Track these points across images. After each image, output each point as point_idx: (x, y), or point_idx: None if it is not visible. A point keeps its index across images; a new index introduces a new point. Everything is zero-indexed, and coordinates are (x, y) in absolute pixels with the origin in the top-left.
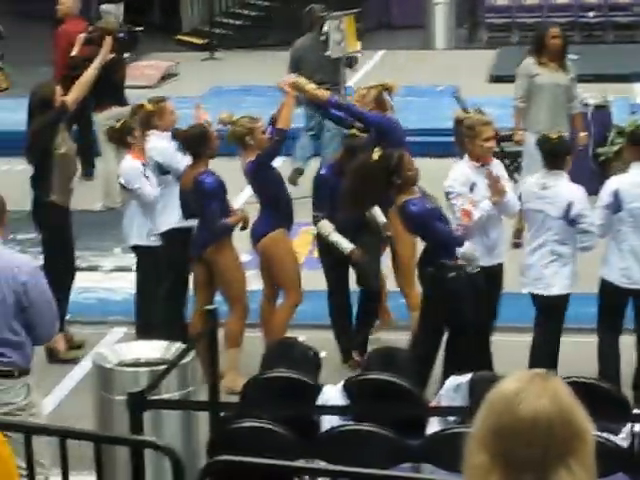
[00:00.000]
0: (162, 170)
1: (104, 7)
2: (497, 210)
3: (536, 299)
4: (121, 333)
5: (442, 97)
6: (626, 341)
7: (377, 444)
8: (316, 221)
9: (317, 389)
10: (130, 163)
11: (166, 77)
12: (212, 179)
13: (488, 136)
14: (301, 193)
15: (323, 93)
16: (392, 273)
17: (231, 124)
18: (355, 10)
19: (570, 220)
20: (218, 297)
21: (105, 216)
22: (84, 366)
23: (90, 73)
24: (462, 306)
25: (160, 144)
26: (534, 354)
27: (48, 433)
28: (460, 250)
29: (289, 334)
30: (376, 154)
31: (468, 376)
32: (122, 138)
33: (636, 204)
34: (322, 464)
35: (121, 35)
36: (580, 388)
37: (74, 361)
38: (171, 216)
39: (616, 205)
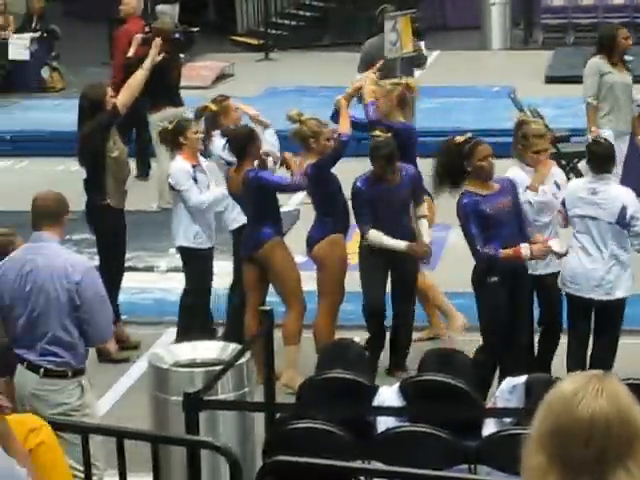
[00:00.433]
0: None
1: (160, 8)
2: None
3: (592, 304)
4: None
5: (498, 98)
6: None
7: (433, 445)
8: (362, 233)
9: (373, 390)
10: (180, 164)
11: (221, 78)
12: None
13: (539, 149)
14: None
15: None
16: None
17: (298, 122)
18: (410, 11)
19: (624, 224)
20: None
21: (160, 216)
22: (140, 366)
23: (140, 75)
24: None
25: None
26: (595, 358)
27: (105, 433)
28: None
29: (344, 335)
30: (461, 137)
31: (523, 378)
32: (174, 139)
33: None
34: (378, 465)
35: (177, 36)
36: (637, 390)
37: (126, 361)
38: (241, 213)
39: None
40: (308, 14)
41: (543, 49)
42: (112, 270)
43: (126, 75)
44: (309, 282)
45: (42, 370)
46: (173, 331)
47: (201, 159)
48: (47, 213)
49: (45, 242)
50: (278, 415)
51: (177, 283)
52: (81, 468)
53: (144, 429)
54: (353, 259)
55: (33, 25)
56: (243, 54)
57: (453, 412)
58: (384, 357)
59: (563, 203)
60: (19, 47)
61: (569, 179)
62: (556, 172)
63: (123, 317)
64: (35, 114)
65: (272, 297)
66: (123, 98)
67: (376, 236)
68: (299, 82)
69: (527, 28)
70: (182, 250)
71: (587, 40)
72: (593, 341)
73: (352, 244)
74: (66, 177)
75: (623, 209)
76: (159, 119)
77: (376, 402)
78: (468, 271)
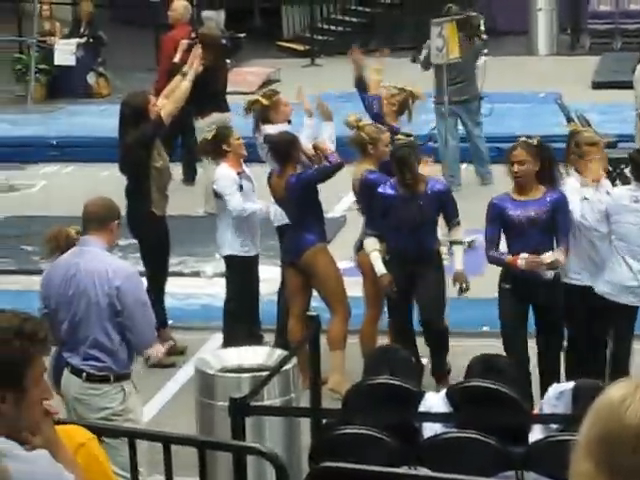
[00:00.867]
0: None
1: (205, 13)
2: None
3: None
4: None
5: (544, 104)
6: None
7: (480, 451)
8: (365, 237)
9: (419, 396)
10: (225, 171)
11: (267, 83)
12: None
13: (593, 157)
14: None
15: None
16: None
17: (356, 128)
18: (457, 16)
19: None
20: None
21: (206, 222)
22: (186, 372)
23: (184, 86)
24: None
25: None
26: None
27: (151, 439)
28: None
29: (388, 341)
30: (534, 139)
31: (571, 384)
32: (216, 149)
33: None
34: (425, 471)
35: (223, 41)
36: None
37: (172, 366)
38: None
39: None
40: (354, 20)
41: (590, 54)
42: (157, 276)
43: (170, 80)
44: (355, 288)
45: (84, 374)
46: (219, 336)
47: (244, 166)
48: (94, 218)
49: (90, 247)
50: (324, 421)
51: (223, 288)
52: (122, 473)
53: (190, 434)
54: None
55: (81, 31)
56: (289, 60)
57: (500, 418)
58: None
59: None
60: (65, 53)
61: (615, 185)
62: (606, 184)
63: (169, 322)
64: (81, 120)
65: (315, 302)
66: (168, 109)
67: (369, 246)
68: (345, 88)
69: (574, 33)
70: (228, 258)
71: (634, 45)
72: (618, 346)
73: None
74: (111, 182)
75: None
76: (206, 124)
77: (422, 408)
78: None
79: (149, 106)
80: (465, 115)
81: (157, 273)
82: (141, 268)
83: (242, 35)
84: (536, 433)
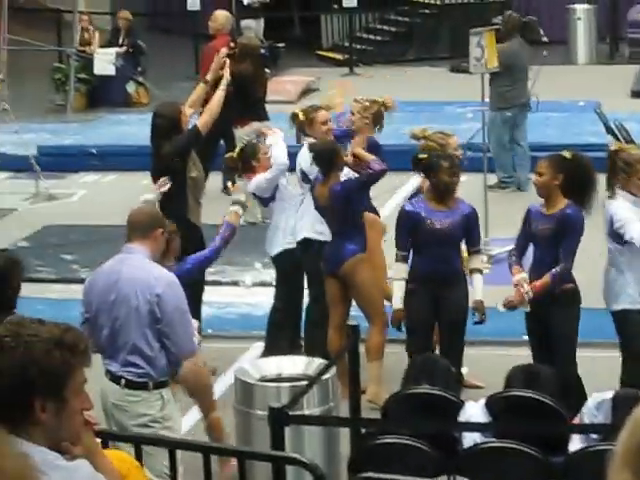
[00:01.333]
0: (305, 178)
1: (244, 23)
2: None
3: None
4: (262, 348)
5: (583, 112)
6: None
7: (520, 461)
8: (396, 258)
9: (459, 405)
10: (261, 176)
11: (306, 92)
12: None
13: None
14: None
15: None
16: None
17: (423, 139)
18: (495, 26)
19: None
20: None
21: (246, 231)
22: (225, 381)
23: (218, 96)
24: None
25: (306, 153)
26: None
27: (191, 449)
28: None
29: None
30: (568, 153)
31: (610, 393)
32: (244, 165)
33: None
34: None
35: (262, 51)
36: None
37: (212, 374)
38: (307, 224)
39: None
40: (393, 29)
41: (629, 63)
42: (194, 286)
43: (212, 91)
44: None
45: (123, 381)
46: (259, 346)
47: None
48: (139, 227)
49: (134, 254)
50: (364, 430)
51: (263, 297)
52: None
53: (229, 444)
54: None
55: (120, 40)
56: (328, 69)
57: (539, 428)
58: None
59: None
60: (104, 62)
61: None
62: None
63: (208, 331)
64: (120, 129)
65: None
66: (203, 120)
67: (397, 272)
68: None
69: (613, 42)
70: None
71: None
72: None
73: None
74: (151, 191)
75: None
76: (245, 133)
77: (462, 418)
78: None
79: (181, 116)
80: (519, 119)
81: (194, 283)
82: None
83: (281, 44)
84: (576, 443)
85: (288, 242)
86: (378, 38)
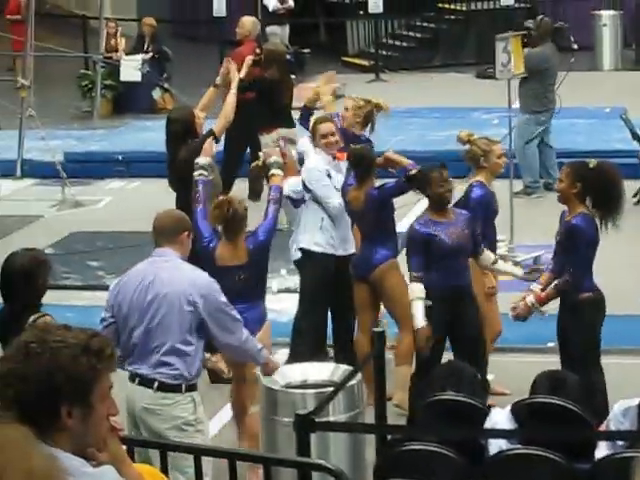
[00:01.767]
0: (307, 188)
1: (270, 29)
2: None
3: None
4: (287, 354)
5: (609, 119)
6: None
7: (545, 468)
8: (411, 279)
9: (485, 412)
10: (292, 180)
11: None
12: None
13: None
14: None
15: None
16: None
17: (468, 143)
18: (522, 32)
19: None
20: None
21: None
22: None
23: (230, 98)
24: None
25: (309, 164)
26: None
27: (217, 455)
28: None
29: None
30: (593, 162)
31: (637, 400)
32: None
33: None
34: None
35: (288, 57)
36: None
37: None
38: (307, 235)
39: None
40: (419, 35)
41: None
42: None
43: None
44: None
45: (156, 384)
46: (284, 352)
47: None
48: (166, 231)
49: (167, 256)
50: (389, 437)
51: (288, 304)
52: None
53: (255, 450)
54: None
55: (145, 47)
56: (354, 75)
57: (565, 434)
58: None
59: None
60: (130, 69)
61: None
62: None
63: None
64: (146, 135)
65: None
66: (220, 124)
67: (414, 293)
68: (410, 103)
69: (639, 48)
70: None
71: None
72: None
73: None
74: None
75: None
76: (271, 140)
77: (488, 424)
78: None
79: (194, 119)
80: (549, 122)
81: None
82: None
83: (307, 50)
84: (602, 450)
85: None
86: (404, 44)
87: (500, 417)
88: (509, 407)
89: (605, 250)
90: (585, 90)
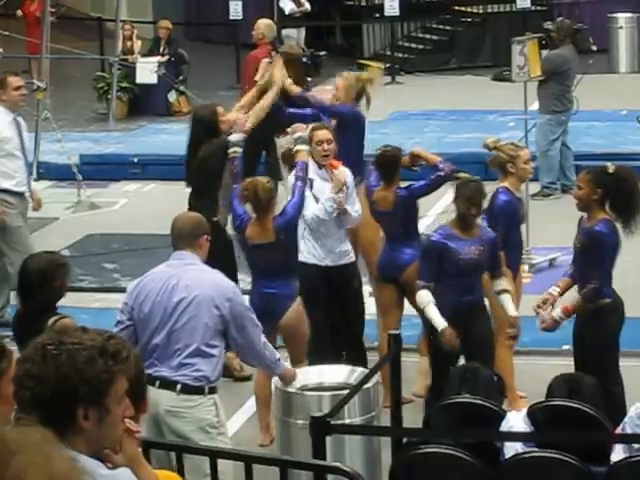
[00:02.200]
0: None
1: (285, 32)
2: None
3: None
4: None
5: (626, 121)
6: None
7: (561, 471)
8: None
9: (500, 415)
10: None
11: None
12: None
13: None
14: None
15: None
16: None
17: (494, 149)
18: (538, 34)
19: None
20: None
21: None
22: None
23: (266, 100)
24: None
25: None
26: None
27: (233, 458)
28: None
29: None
30: (612, 167)
31: None
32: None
33: None
34: None
35: (304, 60)
36: None
37: (248, 379)
38: (305, 248)
39: None
40: (435, 37)
41: None
42: (227, 266)
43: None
44: None
45: (179, 386)
46: None
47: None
48: (186, 234)
49: (188, 260)
50: (405, 440)
51: None
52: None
53: (271, 453)
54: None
55: (161, 49)
56: None
57: (581, 437)
58: None
59: None
60: (147, 71)
61: None
62: None
63: None
64: (162, 137)
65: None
66: (251, 121)
67: (423, 298)
68: (426, 105)
69: None
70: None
71: None
72: None
73: None
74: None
75: None
76: (286, 142)
77: (504, 427)
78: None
79: (218, 117)
80: (567, 123)
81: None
82: None
83: (323, 53)
84: (618, 453)
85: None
86: (420, 47)
87: (516, 420)
88: (525, 410)
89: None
90: (601, 93)
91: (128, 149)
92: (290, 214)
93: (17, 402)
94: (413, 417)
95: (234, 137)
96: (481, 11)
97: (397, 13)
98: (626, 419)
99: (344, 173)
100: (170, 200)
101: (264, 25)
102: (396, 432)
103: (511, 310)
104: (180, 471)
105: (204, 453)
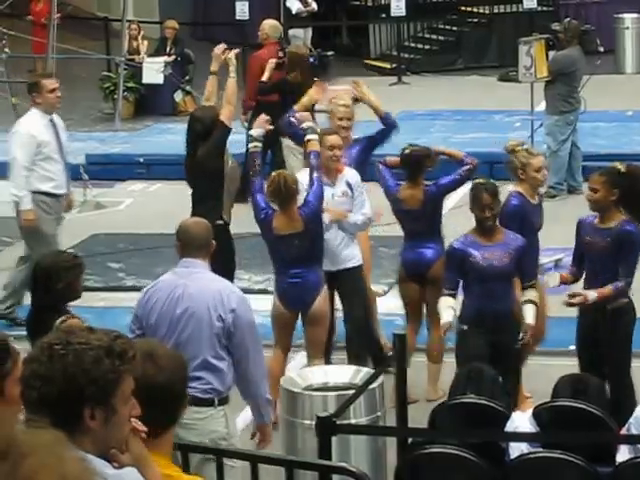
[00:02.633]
0: None
1: (292, 32)
2: None
3: None
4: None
5: (632, 122)
6: None
7: (567, 472)
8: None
9: (506, 415)
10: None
11: (354, 101)
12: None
13: None
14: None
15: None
16: None
17: (512, 153)
18: (545, 35)
19: None
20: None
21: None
22: None
23: (231, 84)
24: None
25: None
26: None
27: (239, 457)
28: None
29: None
30: (622, 166)
31: None
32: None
33: None
34: None
35: (311, 60)
36: None
37: None
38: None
39: None
40: (441, 38)
41: None
42: (225, 258)
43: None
44: None
45: (188, 398)
46: (304, 354)
47: None
48: (194, 242)
49: (197, 268)
50: (410, 440)
51: None
52: None
53: (276, 453)
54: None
55: (167, 49)
56: (376, 78)
57: (587, 438)
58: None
59: None
60: (153, 71)
61: None
62: None
63: None
64: (168, 137)
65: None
66: (227, 111)
67: (442, 303)
68: (432, 106)
69: None
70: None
71: None
72: None
73: None
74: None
75: None
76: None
77: (509, 428)
78: None
79: (219, 118)
80: (576, 123)
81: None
82: None
83: (330, 53)
84: (624, 453)
85: None
86: (426, 47)
87: (522, 420)
88: (531, 410)
89: None
90: (607, 93)
91: (134, 149)
92: (313, 203)
93: (24, 402)
94: (419, 417)
95: (255, 132)
96: (487, 11)
97: (403, 13)
98: (631, 419)
99: (351, 174)
100: (176, 200)
101: (268, 26)
102: (401, 432)
103: (529, 319)
104: (185, 470)
105: (210, 452)
